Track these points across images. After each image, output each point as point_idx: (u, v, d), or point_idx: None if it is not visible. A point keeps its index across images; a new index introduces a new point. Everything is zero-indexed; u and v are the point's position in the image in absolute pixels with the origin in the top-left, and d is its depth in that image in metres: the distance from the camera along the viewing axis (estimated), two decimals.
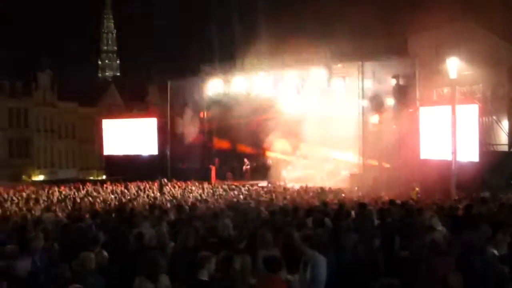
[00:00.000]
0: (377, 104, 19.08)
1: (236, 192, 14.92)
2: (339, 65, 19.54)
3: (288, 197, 12.85)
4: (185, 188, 16.41)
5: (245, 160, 23.40)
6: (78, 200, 12.78)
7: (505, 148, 16.23)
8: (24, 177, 35.49)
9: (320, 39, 21.02)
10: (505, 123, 16.40)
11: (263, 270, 4.29)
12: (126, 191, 15.97)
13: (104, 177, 29.46)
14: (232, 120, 23.94)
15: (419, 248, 5.17)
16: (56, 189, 16.98)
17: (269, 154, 23.93)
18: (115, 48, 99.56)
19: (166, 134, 23.62)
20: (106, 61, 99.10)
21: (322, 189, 15.59)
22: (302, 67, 19.95)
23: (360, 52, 19.38)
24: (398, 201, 9.43)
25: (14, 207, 11.40)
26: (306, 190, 15.50)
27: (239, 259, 4.51)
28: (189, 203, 10.65)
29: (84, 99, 41.55)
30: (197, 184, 18.13)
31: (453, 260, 4.57)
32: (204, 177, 20.97)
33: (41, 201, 12.50)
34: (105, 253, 5.07)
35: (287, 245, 5.29)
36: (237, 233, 5.78)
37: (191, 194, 14.42)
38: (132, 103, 37.41)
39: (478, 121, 15.37)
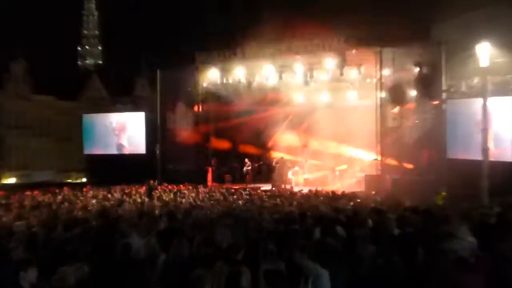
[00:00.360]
0: (397, 95, 19.04)
1: (235, 197, 14.94)
2: (354, 52, 19.50)
3: (294, 202, 12.85)
4: (177, 192, 16.42)
5: (246, 160, 23.41)
6: (55, 206, 12.79)
7: None
8: None
9: (332, 22, 21.00)
10: None
11: (264, 285, 4.30)
12: (109, 195, 16.00)
13: (84, 179, 29.56)
14: (231, 115, 23.97)
15: (443, 262, 5.15)
16: (30, 193, 17.03)
17: (273, 153, 23.96)
18: (97, 32, 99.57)
19: (156, 130, 23.61)
20: (87, 47, 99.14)
21: (333, 193, 15.59)
22: (312, 54, 19.91)
23: (378, 37, 19.34)
24: (421, 208, 9.43)
25: None
26: (315, 194, 15.52)
27: None
28: (182, 210, 10.66)
29: (62, 92, 41.61)
30: (191, 187, 18.14)
31: (483, 277, 4.55)
32: (199, 179, 20.98)
33: (12, 208, 12.50)
34: (87, 268, 5.08)
35: (291, 257, 5.30)
36: (235, 242, 5.79)
37: (184, 199, 14.42)
38: (117, 96, 37.48)
39: None
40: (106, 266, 5.52)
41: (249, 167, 23.28)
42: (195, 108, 23.64)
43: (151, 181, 18.60)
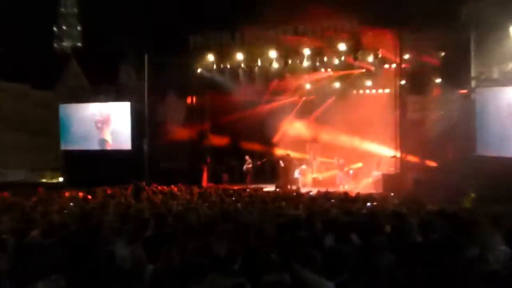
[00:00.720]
0: (419, 83, 19.04)
1: (234, 199, 14.95)
2: (370, 34, 19.48)
3: (301, 205, 12.85)
4: (167, 194, 16.44)
5: (247, 158, 23.42)
6: (28, 209, 12.80)
7: None
8: None
9: (345, 1, 20.96)
10: None
11: None
12: (90, 197, 16.01)
13: (61, 179, 29.58)
14: (229, 107, 23.93)
15: (472, 274, 5.15)
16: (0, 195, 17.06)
17: (278, 150, 23.96)
18: (76, 10, 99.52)
19: (143, 124, 23.61)
20: (64, 27, 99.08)
21: (346, 194, 15.59)
22: (321, 37, 19.88)
23: (397, 16, 19.29)
24: (447, 211, 9.42)
25: None
26: (325, 196, 15.52)
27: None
28: (173, 213, 10.66)
29: (37, 79, 41.61)
30: (183, 188, 18.17)
31: None
32: (193, 179, 21.01)
33: None
34: (64, 280, 5.08)
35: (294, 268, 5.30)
36: (233, 250, 5.78)
37: (176, 202, 14.44)
38: (99, 84, 37.39)
39: None
40: (86, 278, 5.52)
41: (250, 166, 23.27)
42: (189, 99, 23.64)
43: (138, 181, 18.61)
